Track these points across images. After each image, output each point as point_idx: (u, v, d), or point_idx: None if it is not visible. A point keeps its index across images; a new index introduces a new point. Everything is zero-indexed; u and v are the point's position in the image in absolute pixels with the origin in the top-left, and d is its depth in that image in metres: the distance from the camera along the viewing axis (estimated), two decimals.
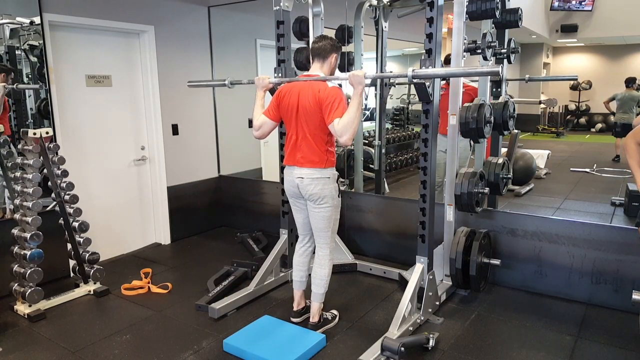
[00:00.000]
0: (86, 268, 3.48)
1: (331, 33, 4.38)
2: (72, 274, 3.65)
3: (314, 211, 2.76)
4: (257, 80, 2.88)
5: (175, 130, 4.56)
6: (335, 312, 3.05)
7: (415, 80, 2.50)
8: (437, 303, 3.15)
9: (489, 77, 3.62)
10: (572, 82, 12.69)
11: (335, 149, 2.81)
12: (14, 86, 3.33)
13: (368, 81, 2.53)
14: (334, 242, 2.94)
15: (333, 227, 2.83)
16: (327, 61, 2.73)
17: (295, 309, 2.99)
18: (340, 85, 2.82)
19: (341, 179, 2.83)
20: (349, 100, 2.54)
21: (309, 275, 2.95)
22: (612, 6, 9.53)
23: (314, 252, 2.95)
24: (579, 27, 10.03)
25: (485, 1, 3.06)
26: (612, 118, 12.19)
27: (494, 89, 3.76)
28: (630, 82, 8.27)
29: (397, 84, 5.55)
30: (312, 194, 2.70)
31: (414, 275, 2.91)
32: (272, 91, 2.99)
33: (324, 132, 2.65)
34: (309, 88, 2.62)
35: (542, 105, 12.21)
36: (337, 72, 2.89)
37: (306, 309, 2.99)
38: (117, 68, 4.15)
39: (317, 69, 2.74)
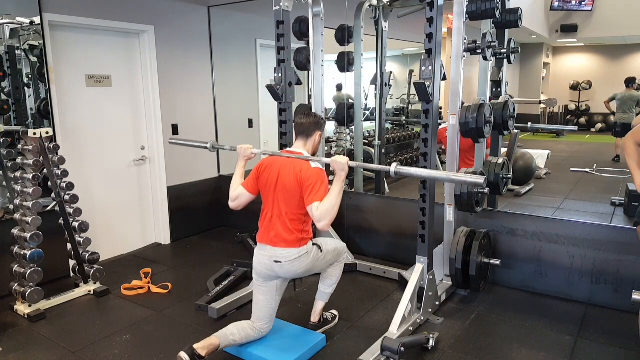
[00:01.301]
0: (86, 268, 3.48)
1: (331, 33, 4.39)
2: (72, 274, 3.65)
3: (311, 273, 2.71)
4: (240, 148, 2.75)
5: (175, 130, 4.56)
6: (335, 312, 3.05)
7: (395, 176, 2.43)
8: (437, 303, 3.15)
9: (489, 77, 3.62)
10: (572, 82, 12.70)
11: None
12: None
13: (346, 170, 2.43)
14: (343, 249, 2.89)
15: (333, 255, 2.75)
16: (311, 139, 2.63)
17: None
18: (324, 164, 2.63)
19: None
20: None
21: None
22: (612, 6, 9.53)
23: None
24: (579, 27, 10.03)
25: (485, 1, 3.06)
26: (612, 118, 12.22)
27: (494, 89, 3.76)
28: (630, 82, 8.26)
29: (399, 83, 5.56)
30: (299, 273, 2.60)
31: (414, 275, 2.91)
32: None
33: (301, 212, 2.50)
34: (291, 166, 2.50)
35: (542, 105, 12.20)
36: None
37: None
38: (117, 68, 4.15)
39: (300, 146, 2.62)
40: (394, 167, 2.37)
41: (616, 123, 8.08)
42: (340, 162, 2.43)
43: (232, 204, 2.69)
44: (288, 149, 2.77)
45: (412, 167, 2.73)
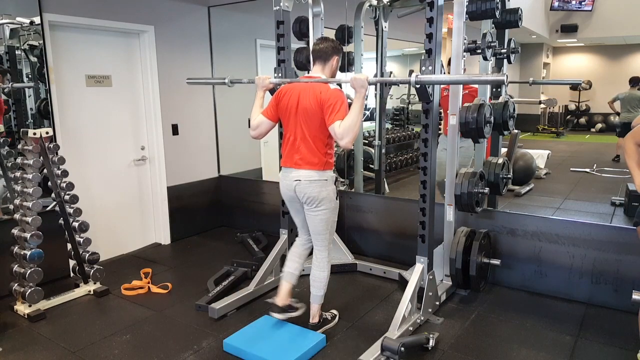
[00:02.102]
0: (86, 268, 3.48)
1: (331, 33, 4.39)
2: (72, 274, 3.65)
3: (310, 214, 2.72)
4: (258, 79, 2.84)
5: (175, 130, 4.56)
6: (335, 312, 3.05)
7: (417, 86, 2.50)
8: (437, 303, 3.15)
9: None
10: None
11: (335, 150, 2.78)
12: (10, 85, 3.32)
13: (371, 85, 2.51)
14: (333, 243, 2.92)
15: (331, 229, 2.80)
16: (329, 63, 2.70)
17: (279, 303, 2.82)
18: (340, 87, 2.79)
19: (341, 179, 2.81)
20: (350, 101, 2.53)
21: (301, 270, 2.94)
22: (612, 6, 9.52)
23: (311, 252, 2.93)
24: (579, 27, 10.02)
25: (485, 1, 3.06)
26: (611, 118, 12.21)
27: (494, 89, 3.76)
28: (635, 82, 8.23)
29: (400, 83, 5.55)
30: (310, 197, 2.65)
31: (414, 275, 2.91)
32: (272, 92, 2.98)
33: (323, 134, 2.59)
34: (310, 89, 2.59)
35: (542, 105, 12.20)
36: (339, 75, 2.87)
37: (290, 309, 2.86)
38: (117, 68, 4.15)
39: (318, 71, 2.71)
40: (414, 77, 2.43)
41: (622, 123, 8.05)
42: (360, 79, 2.46)
43: (253, 132, 2.77)
44: (306, 74, 2.80)
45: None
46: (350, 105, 2.51)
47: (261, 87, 2.83)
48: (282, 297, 2.85)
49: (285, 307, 2.85)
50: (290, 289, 2.88)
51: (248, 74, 5.25)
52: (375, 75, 4.83)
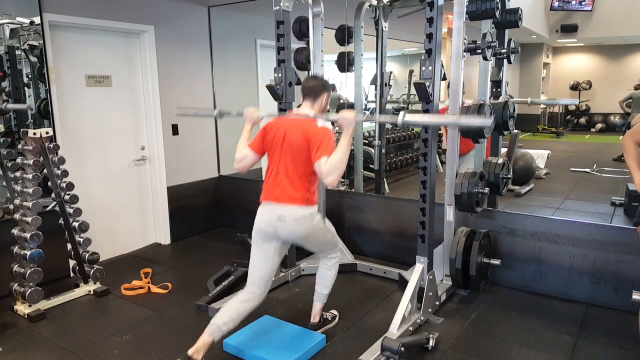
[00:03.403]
0: (86, 268, 3.48)
1: (331, 33, 4.39)
2: (72, 274, 3.65)
3: (305, 246, 2.72)
4: (246, 112, 2.76)
5: (175, 130, 4.56)
6: (335, 312, 3.05)
7: (403, 125, 2.47)
8: (437, 303, 3.15)
9: (489, 77, 3.62)
10: (572, 82, 12.69)
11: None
12: (4, 106, 3.33)
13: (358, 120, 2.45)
14: (339, 244, 2.89)
15: (332, 239, 2.78)
16: (319, 100, 2.64)
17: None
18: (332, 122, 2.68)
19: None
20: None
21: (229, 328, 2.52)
22: (612, 6, 9.53)
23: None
24: (579, 27, 10.03)
25: (485, 1, 3.06)
26: (612, 118, 12.21)
27: (494, 89, 3.76)
28: None
29: (400, 83, 5.56)
30: (298, 236, 2.56)
31: (414, 276, 2.91)
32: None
33: (308, 170, 2.49)
34: (298, 124, 2.52)
35: (542, 106, 12.21)
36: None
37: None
38: (117, 68, 4.15)
39: (307, 107, 2.64)
40: (401, 117, 2.36)
41: (630, 123, 8.05)
42: (348, 117, 2.41)
43: (238, 165, 2.68)
44: (295, 110, 2.77)
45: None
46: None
47: (249, 120, 2.75)
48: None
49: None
50: (209, 345, 2.42)
51: (248, 74, 5.30)
52: (375, 75, 4.84)
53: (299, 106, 2.78)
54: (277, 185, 2.53)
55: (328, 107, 2.75)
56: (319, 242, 2.73)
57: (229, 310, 2.49)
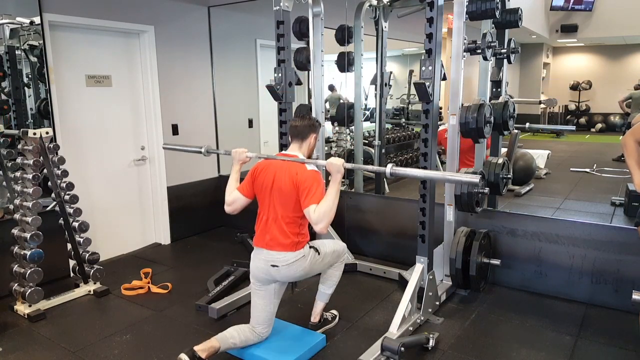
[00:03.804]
0: (86, 268, 3.48)
1: (331, 33, 4.39)
2: (72, 274, 3.65)
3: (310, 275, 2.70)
4: (234, 152, 2.76)
5: (175, 130, 4.56)
6: (335, 312, 3.05)
7: (392, 177, 2.45)
8: (437, 303, 3.15)
9: (489, 77, 3.63)
10: (572, 82, 12.70)
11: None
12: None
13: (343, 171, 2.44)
14: (343, 251, 2.88)
15: (332, 258, 2.74)
16: (306, 142, 2.62)
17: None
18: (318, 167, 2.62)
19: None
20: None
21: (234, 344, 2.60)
22: (612, 6, 9.53)
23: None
24: (579, 27, 10.03)
25: (485, 1, 3.06)
26: (612, 118, 12.20)
27: (494, 89, 3.76)
28: None
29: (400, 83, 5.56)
30: (296, 277, 2.60)
31: (414, 275, 2.91)
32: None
33: (297, 215, 2.48)
34: (287, 169, 2.49)
35: (542, 105, 12.20)
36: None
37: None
38: (117, 68, 4.15)
39: (295, 149, 2.61)
40: (389, 169, 2.37)
41: (630, 123, 8.03)
42: (336, 164, 2.42)
43: (228, 208, 2.68)
44: (283, 151, 2.76)
45: (412, 167, 2.75)
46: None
47: (237, 161, 2.75)
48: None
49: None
50: (216, 350, 2.48)
51: (248, 74, 5.29)
52: (375, 75, 4.84)
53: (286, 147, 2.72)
54: (267, 231, 2.53)
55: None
56: (321, 268, 2.72)
57: (240, 333, 2.57)
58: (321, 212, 2.33)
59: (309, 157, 2.64)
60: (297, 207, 2.46)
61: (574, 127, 4.67)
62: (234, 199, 2.64)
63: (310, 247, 2.60)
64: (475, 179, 2.20)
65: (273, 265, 2.51)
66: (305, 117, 2.69)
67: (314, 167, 2.50)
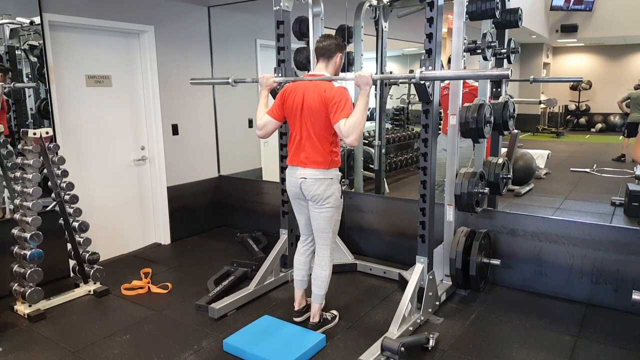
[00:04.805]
0: (86, 268, 3.48)
1: (331, 33, 4.38)
2: (72, 274, 3.65)
3: (315, 212, 2.75)
4: (262, 78, 2.85)
5: (175, 130, 4.56)
6: (335, 312, 3.05)
7: (422, 82, 2.50)
8: (437, 303, 3.15)
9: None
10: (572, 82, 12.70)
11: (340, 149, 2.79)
12: (12, 85, 3.31)
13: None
14: (335, 243, 2.93)
15: (334, 228, 2.81)
16: (332, 61, 2.72)
17: (296, 308, 2.99)
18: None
19: (342, 180, 2.81)
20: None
21: (310, 274, 2.95)
22: (612, 6, 9.53)
23: (314, 253, 2.95)
24: (579, 27, 10.03)
25: (485, 1, 3.06)
26: (612, 118, 12.20)
27: (494, 89, 3.76)
28: None
29: (400, 83, 5.56)
30: (315, 194, 2.68)
31: (414, 275, 2.91)
32: (273, 93, 2.97)
33: (328, 132, 2.62)
34: (315, 88, 2.60)
35: (542, 105, 12.20)
36: (343, 73, 2.87)
37: (307, 308, 2.98)
38: (117, 68, 4.15)
39: (322, 68, 2.72)
40: (418, 73, 2.42)
41: (629, 123, 7.98)
42: (364, 76, 2.46)
43: (260, 132, 2.80)
44: (310, 72, 2.81)
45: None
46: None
47: (265, 86, 2.85)
48: (297, 302, 2.99)
49: (302, 310, 2.98)
50: (303, 294, 3.00)
51: (248, 74, 5.25)
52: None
53: (308, 70, 2.82)
54: (301, 149, 2.68)
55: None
56: (325, 215, 2.74)
57: (299, 265, 2.94)
58: (351, 124, 2.44)
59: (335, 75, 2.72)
60: (328, 125, 2.58)
61: (581, 78, 4.73)
62: (265, 122, 2.76)
63: (342, 181, 2.75)
64: (507, 71, 2.15)
65: (302, 178, 2.67)
66: (331, 37, 2.77)
67: (341, 83, 2.61)
